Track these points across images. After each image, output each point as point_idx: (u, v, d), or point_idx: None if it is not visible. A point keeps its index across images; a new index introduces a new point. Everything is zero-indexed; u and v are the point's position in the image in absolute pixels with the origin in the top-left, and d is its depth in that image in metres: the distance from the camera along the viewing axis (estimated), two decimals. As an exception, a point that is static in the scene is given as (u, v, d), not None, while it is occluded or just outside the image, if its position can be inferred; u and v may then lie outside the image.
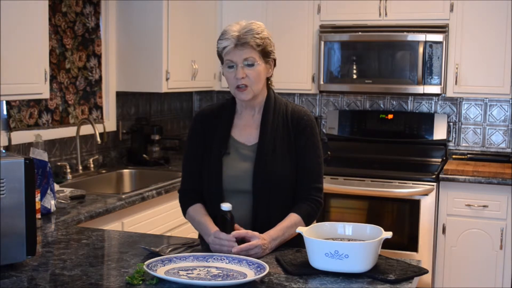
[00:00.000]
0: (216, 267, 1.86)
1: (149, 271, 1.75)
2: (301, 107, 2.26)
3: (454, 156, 4.51)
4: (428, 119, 4.53)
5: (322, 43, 4.39)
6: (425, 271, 1.91)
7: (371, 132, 4.67)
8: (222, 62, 2.20)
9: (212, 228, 2.10)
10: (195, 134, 2.27)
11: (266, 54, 2.16)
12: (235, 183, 2.17)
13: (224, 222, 2.03)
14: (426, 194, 3.99)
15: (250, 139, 2.21)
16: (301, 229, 1.92)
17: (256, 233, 2.04)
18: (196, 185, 2.24)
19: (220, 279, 1.76)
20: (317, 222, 2.17)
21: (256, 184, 2.14)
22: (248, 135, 2.22)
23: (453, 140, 4.59)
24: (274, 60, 2.22)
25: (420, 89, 4.22)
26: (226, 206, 2.03)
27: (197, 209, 2.22)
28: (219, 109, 2.28)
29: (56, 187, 2.98)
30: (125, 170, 3.95)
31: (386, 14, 4.31)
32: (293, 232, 2.12)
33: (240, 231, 2.03)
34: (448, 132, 4.54)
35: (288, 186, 2.18)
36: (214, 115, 2.27)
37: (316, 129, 2.24)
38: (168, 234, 3.38)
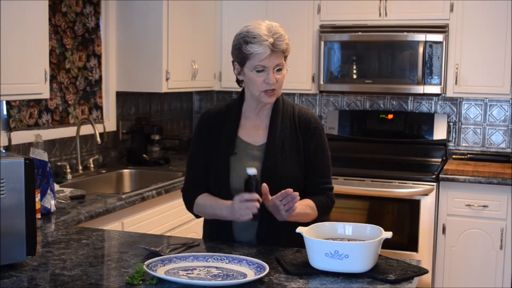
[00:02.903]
0: (216, 267, 1.87)
1: (149, 271, 1.76)
2: (307, 110, 2.29)
3: (454, 156, 4.51)
4: (428, 119, 4.53)
5: (322, 43, 4.39)
6: (425, 271, 1.91)
7: (371, 132, 4.67)
8: (241, 62, 2.14)
9: (228, 202, 2.09)
10: (200, 134, 2.28)
11: (286, 58, 2.18)
12: (242, 183, 2.17)
13: (249, 186, 2.01)
14: (426, 194, 3.99)
15: (258, 140, 2.22)
16: (301, 229, 1.92)
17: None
18: (201, 184, 2.25)
19: (220, 279, 1.76)
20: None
21: (264, 183, 2.14)
22: (256, 135, 2.23)
23: (453, 140, 4.60)
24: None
25: (420, 89, 4.22)
26: (251, 170, 2.02)
27: (206, 196, 2.22)
28: (226, 109, 2.29)
29: (56, 187, 2.98)
30: (125, 170, 3.95)
31: (386, 14, 4.31)
32: (307, 212, 2.15)
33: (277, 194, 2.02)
34: (448, 132, 4.54)
35: (296, 186, 2.18)
36: (220, 115, 2.27)
37: (324, 131, 2.29)
38: (168, 234, 3.38)
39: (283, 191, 2.01)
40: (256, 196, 2.00)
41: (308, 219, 2.16)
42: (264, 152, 2.19)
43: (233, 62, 2.21)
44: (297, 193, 2.01)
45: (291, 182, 2.17)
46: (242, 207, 2.01)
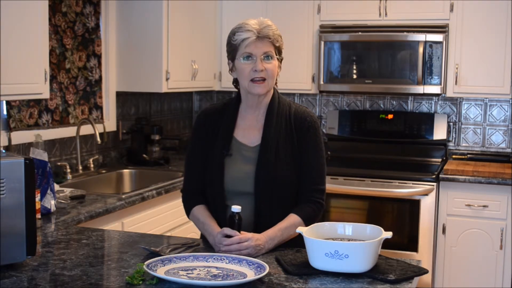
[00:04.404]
0: (216, 267, 1.86)
1: (149, 271, 1.76)
2: (304, 108, 2.26)
3: (454, 156, 4.51)
4: (428, 119, 4.53)
5: (322, 43, 4.39)
6: (425, 271, 1.91)
7: (371, 132, 4.66)
8: (233, 56, 2.16)
9: (217, 229, 2.11)
10: (197, 134, 2.27)
11: (279, 51, 2.18)
12: (237, 185, 2.16)
13: (232, 223, 2.04)
14: (426, 194, 3.99)
15: (253, 141, 2.21)
16: (301, 229, 1.92)
17: (250, 234, 2.04)
18: (199, 185, 2.24)
19: (220, 279, 1.76)
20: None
21: (258, 186, 2.14)
22: (251, 136, 2.21)
23: (453, 140, 4.60)
24: (281, 60, 2.21)
25: (420, 89, 4.22)
26: (236, 208, 2.03)
27: (201, 211, 2.22)
28: (222, 108, 2.28)
29: (56, 187, 2.98)
30: (125, 170, 3.95)
31: (386, 14, 4.31)
32: (292, 233, 2.12)
33: (234, 238, 2.02)
34: (448, 132, 4.54)
35: (291, 188, 2.18)
36: (217, 114, 2.26)
37: (319, 130, 2.23)
38: (168, 234, 3.38)
39: (236, 237, 2.01)
40: (237, 233, 2.02)
41: (294, 236, 2.13)
42: (258, 153, 2.17)
43: (228, 62, 2.22)
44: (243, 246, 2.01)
45: (285, 184, 2.16)
46: (222, 242, 2.03)
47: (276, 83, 2.23)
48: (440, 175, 4.01)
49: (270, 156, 2.15)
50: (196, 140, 2.27)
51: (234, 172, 2.17)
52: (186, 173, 2.31)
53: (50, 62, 3.49)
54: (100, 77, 3.99)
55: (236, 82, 2.24)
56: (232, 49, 2.15)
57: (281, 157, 2.16)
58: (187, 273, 1.80)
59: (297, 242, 2.08)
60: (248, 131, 2.22)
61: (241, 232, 2.04)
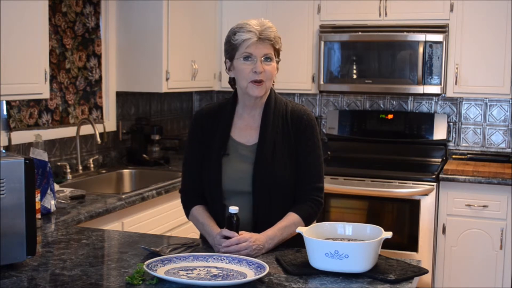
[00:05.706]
0: (216, 267, 1.87)
1: (149, 271, 1.76)
2: (301, 106, 2.25)
3: (454, 156, 4.51)
4: (428, 119, 4.53)
5: (322, 43, 4.39)
6: (425, 271, 1.91)
7: (371, 132, 4.67)
8: (231, 56, 2.16)
9: (216, 230, 2.11)
10: (194, 134, 2.26)
11: (278, 53, 2.18)
12: (235, 185, 2.16)
13: (230, 224, 2.03)
14: (426, 194, 3.99)
15: (250, 140, 2.20)
16: (301, 229, 1.92)
17: (249, 235, 2.04)
18: (197, 185, 2.24)
19: (220, 279, 1.76)
20: (317, 222, 2.17)
21: (256, 185, 2.14)
22: (248, 135, 2.21)
23: (453, 140, 4.60)
24: (278, 61, 2.21)
25: (420, 89, 4.22)
26: (233, 209, 2.03)
27: (200, 211, 2.22)
28: (219, 108, 2.27)
29: (56, 187, 2.98)
30: (125, 170, 3.95)
31: (386, 14, 4.31)
32: (292, 232, 2.12)
33: (232, 240, 2.02)
34: (448, 132, 4.54)
35: (289, 186, 2.17)
36: (213, 114, 2.26)
37: (316, 129, 2.23)
38: (168, 234, 3.38)
39: (234, 238, 2.01)
40: (235, 234, 2.02)
41: (293, 234, 2.13)
42: (255, 153, 2.17)
43: (225, 61, 2.21)
44: (241, 247, 2.00)
45: (283, 182, 2.15)
46: (221, 243, 2.03)
47: (273, 83, 2.23)
48: (440, 175, 4.01)
49: (267, 155, 2.15)
50: (193, 141, 2.26)
51: (231, 172, 2.17)
52: (184, 174, 2.30)
53: (50, 62, 3.49)
54: (100, 77, 3.99)
55: (232, 81, 2.24)
56: (232, 49, 2.14)
57: (278, 156, 2.16)
58: (187, 273, 1.80)
59: (297, 242, 2.08)
60: (245, 130, 2.22)
61: (240, 232, 2.04)
